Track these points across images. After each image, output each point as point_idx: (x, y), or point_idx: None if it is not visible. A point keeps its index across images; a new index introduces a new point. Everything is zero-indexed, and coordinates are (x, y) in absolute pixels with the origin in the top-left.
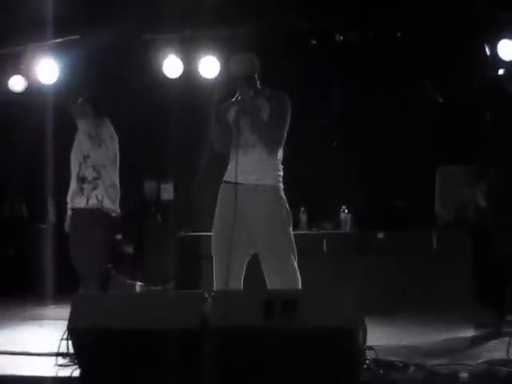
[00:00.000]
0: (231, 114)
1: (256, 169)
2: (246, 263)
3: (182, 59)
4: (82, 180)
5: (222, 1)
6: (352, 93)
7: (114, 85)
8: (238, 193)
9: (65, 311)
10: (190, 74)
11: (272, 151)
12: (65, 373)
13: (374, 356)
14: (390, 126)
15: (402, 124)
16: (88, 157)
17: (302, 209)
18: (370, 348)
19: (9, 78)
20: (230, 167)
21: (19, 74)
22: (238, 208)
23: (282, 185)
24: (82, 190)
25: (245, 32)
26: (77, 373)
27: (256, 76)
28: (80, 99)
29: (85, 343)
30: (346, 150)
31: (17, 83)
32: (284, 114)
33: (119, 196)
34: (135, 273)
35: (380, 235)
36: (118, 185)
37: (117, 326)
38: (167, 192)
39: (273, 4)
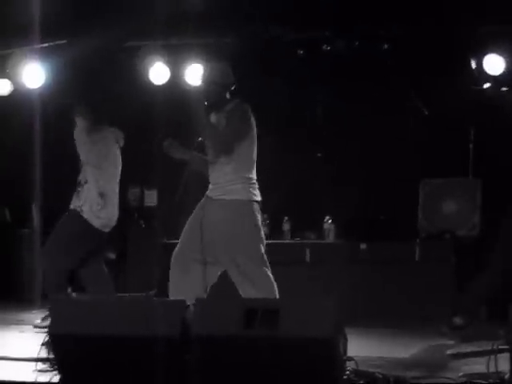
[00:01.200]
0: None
1: (219, 184)
2: (213, 275)
3: (169, 66)
4: (77, 183)
5: (210, 9)
6: (337, 103)
7: (99, 91)
8: (206, 207)
9: None
10: (176, 81)
11: (231, 164)
12: (44, 378)
13: (354, 367)
14: (374, 138)
15: (387, 136)
16: (84, 161)
17: (286, 218)
18: (351, 359)
19: None
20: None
21: (5, 77)
22: (204, 222)
23: (253, 198)
24: (77, 192)
25: (232, 41)
26: (56, 378)
27: (226, 86)
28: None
29: (64, 349)
30: (331, 160)
31: (2, 87)
32: (236, 126)
33: (106, 207)
34: (117, 279)
35: (363, 246)
36: (112, 195)
37: (97, 332)
38: (151, 198)
39: (260, 13)
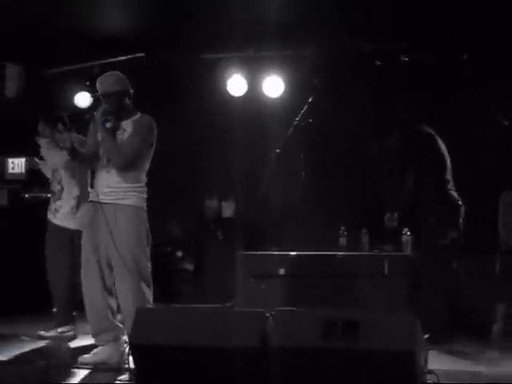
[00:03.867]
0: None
1: (111, 188)
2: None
3: (247, 78)
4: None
5: (288, 22)
6: (414, 115)
7: (178, 102)
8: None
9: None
10: (253, 92)
11: (127, 172)
12: None
13: (435, 380)
14: (454, 150)
15: (466, 148)
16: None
17: (364, 230)
18: (431, 372)
19: (75, 94)
20: (94, 185)
21: (85, 90)
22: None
23: (143, 205)
24: None
25: (310, 53)
26: None
27: (126, 93)
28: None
29: (144, 359)
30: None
31: (82, 99)
32: (142, 140)
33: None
34: (195, 290)
35: None
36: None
37: (177, 342)
38: (229, 210)
39: (337, 25)
